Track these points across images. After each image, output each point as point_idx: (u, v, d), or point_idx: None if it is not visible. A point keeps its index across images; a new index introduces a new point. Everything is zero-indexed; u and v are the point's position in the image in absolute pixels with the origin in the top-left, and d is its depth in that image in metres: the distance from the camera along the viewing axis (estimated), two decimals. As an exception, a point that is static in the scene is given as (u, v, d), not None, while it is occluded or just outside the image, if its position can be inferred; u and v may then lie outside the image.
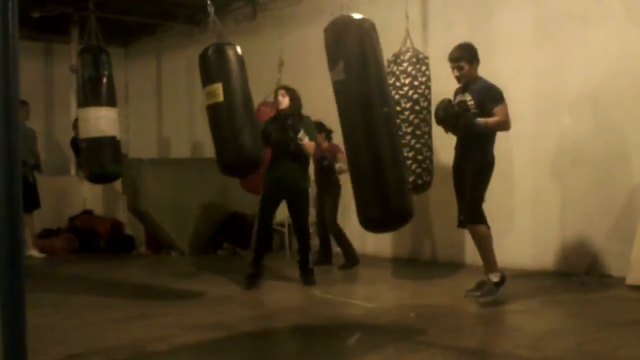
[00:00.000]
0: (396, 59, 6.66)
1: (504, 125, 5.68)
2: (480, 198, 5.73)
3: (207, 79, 6.00)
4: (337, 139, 7.26)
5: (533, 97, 7.28)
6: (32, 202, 9.00)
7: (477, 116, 5.62)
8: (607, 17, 6.75)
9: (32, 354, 3.41)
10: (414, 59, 6.59)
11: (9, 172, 3.39)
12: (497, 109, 5.60)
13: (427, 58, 6.81)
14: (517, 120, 7.31)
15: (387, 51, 6.79)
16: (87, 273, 8.07)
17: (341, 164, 7.39)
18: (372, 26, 4.79)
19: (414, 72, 6.50)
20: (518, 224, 7.41)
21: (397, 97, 6.52)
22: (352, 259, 7.61)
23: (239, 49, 6.24)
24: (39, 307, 5.39)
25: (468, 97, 5.70)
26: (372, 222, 4.70)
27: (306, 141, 6.50)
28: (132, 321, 5.31)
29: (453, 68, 5.87)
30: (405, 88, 6.48)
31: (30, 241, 9.08)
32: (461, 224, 5.86)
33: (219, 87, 5.89)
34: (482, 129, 5.58)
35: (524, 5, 7.37)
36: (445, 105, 5.73)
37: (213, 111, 5.94)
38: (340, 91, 4.70)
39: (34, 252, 9.17)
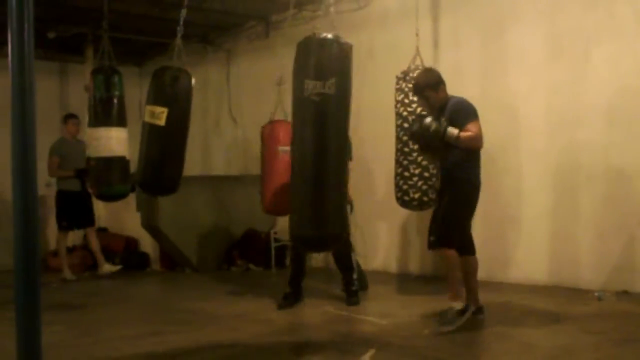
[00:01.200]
0: (405, 76, 6.68)
1: (475, 140, 5.33)
2: (455, 220, 5.43)
3: (156, 100, 6.51)
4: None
5: (546, 113, 7.27)
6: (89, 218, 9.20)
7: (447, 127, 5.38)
8: (619, 32, 6.74)
9: (47, 370, 3.43)
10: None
11: (25, 192, 3.43)
12: (469, 125, 5.31)
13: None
14: (530, 136, 7.36)
15: (396, 69, 6.85)
16: (101, 290, 8.10)
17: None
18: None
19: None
20: (533, 240, 7.38)
21: (405, 113, 6.54)
22: (361, 283, 7.47)
23: (192, 80, 6.77)
24: (54, 323, 5.40)
25: (443, 119, 5.42)
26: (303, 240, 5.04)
27: None
28: (147, 338, 5.32)
29: (420, 101, 5.78)
30: (414, 105, 6.49)
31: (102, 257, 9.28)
32: (430, 245, 5.63)
33: (164, 112, 6.40)
34: (452, 139, 5.31)
35: (536, 21, 7.38)
36: (418, 118, 5.60)
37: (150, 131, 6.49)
38: (324, 104, 4.83)
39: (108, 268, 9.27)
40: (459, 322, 5.22)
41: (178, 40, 6.71)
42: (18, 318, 3.37)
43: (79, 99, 11.40)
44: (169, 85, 6.36)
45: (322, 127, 4.86)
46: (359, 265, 7.39)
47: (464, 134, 5.27)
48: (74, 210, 9.11)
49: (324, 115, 4.85)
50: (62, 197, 9.05)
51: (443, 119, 5.30)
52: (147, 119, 6.41)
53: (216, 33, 10.79)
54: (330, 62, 4.87)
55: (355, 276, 6.69)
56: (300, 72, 4.93)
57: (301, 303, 6.63)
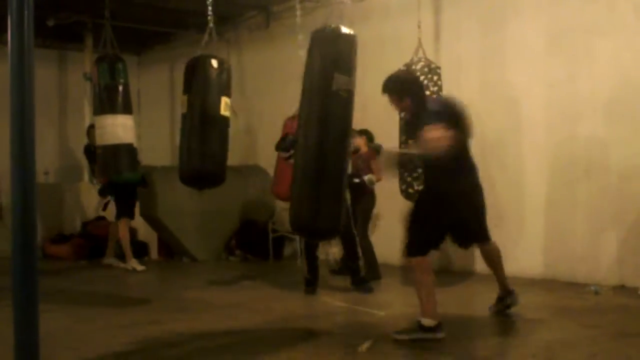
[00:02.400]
0: (408, 69, 6.69)
1: (432, 145, 4.74)
2: (418, 230, 4.98)
3: (228, 92, 6.23)
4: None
5: (545, 108, 7.27)
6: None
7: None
8: (618, 27, 6.74)
9: (44, 358, 3.43)
10: (426, 69, 6.62)
11: (23, 180, 3.43)
12: (424, 131, 4.78)
13: (439, 68, 6.84)
14: (529, 130, 7.36)
15: (399, 61, 6.85)
16: (98, 278, 8.11)
17: (371, 177, 7.31)
18: (332, 36, 4.89)
19: (425, 82, 6.53)
20: (530, 234, 7.40)
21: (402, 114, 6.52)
22: (374, 273, 7.37)
23: (219, 64, 6.25)
24: (51, 311, 5.39)
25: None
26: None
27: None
28: (144, 326, 5.32)
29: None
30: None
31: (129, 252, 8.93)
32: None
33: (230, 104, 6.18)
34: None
35: (536, 15, 7.37)
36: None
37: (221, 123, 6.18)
38: (349, 100, 4.79)
39: (112, 260, 9.07)
40: (416, 336, 4.75)
41: (210, 27, 6.51)
42: (16, 305, 3.37)
43: (79, 87, 11.45)
44: (191, 72, 6.19)
45: (344, 123, 4.81)
46: (373, 255, 7.38)
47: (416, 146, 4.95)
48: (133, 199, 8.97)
49: (347, 111, 4.80)
50: (123, 186, 8.79)
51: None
52: (222, 111, 6.12)
53: (216, 23, 10.75)
54: (352, 57, 4.82)
55: (361, 263, 6.74)
56: (328, 65, 4.74)
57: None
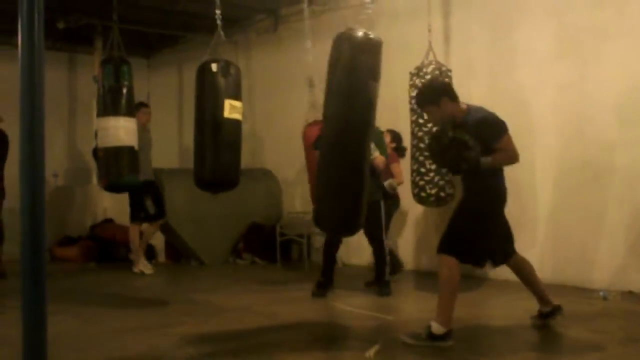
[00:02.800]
0: (419, 72, 6.70)
1: (511, 159, 4.88)
2: (462, 229, 4.84)
3: (236, 94, 6.10)
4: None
5: (555, 111, 7.26)
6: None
7: (478, 152, 4.77)
8: (628, 30, 6.72)
9: (51, 360, 3.44)
10: (437, 72, 6.61)
11: (32, 182, 3.44)
12: (501, 142, 4.83)
13: (449, 71, 6.84)
14: (539, 134, 7.34)
15: (408, 64, 6.86)
16: (106, 281, 8.11)
17: (391, 181, 7.29)
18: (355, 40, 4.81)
19: (437, 85, 6.51)
20: (539, 237, 7.37)
21: (419, 110, 6.52)
22: (393, 266, 7.33)
23: (222, 67, 6.17)
24: (58, 314, 5.41)
25: (464, 135, 4.80)
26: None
27: (376, 155, 6.46)
28: (151, 330, 5.33)
29: (428, 116, 5.45)
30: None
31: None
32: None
33: (241, 106, 6.09)
34: (488, 168, 4.87)
35: (545, 19, 7.35)
36: (439, 135, 4.99)
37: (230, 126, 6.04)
38: (374, 106, 4.80)
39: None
40: (424, 343, 4.68)
41: (219, 31, 6.53)
42: (24, 308, 3.38)
43: (88, 90, 11.45)
44: (233, 77, 6.19)
45: (372, 129, 4.88)
46: (392, 249, 7.38)
47: (498, 157, 4.81)
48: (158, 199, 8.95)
49: (373, 117, 4.82)
50: (148, 187, 8.77)
51: (471, 152, 4.72)
52: (227, 114, 6.06)
53: (225, 26, 10.74)
54: (379, 62, 4.80)
55: (387, 269, 6.78)
56: (361, 72, 4.69)
57: (332, 292, 6.82)
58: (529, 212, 7.44)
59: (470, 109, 4.98)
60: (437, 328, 4.69)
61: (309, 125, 7.97)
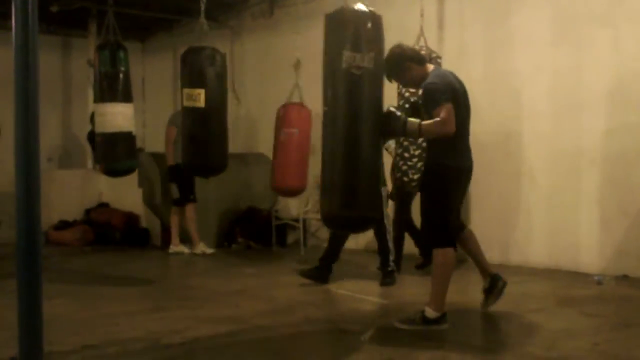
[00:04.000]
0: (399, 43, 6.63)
1: (438, 127, 4.60)
2: (436, 215, 4.79)
3: (192, 83, 6.44)
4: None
5: (551, 96, 7.26)
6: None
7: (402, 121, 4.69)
8: (625, 16, 6.71)
9: (48, 344, 3.46)
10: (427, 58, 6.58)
11: (27, 165, 3.44)
12: (436, 111, 4.61)
13: (439, 57, 6.83)
14: (534, 119, 7.35)
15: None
16: (102, 265, 8.11)
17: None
18: (349, 14, 4.75)
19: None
20: (534, 223, 7.40)
21: (407, 94, 6.51)
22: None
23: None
24: (54, 297, 5.40)
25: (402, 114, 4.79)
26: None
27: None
28: (147, 313, 5.35)
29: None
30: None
31: (196, 237, 8.92)
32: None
33: (201, 93, 6.36)
34: (414, 136, 5.00)
35: (541, 4, 7.35)
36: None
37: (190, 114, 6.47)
38: (364, 78, 4.61)
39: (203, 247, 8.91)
40: (417, 327, 4.71)
41: (202, 19, 6.71)
42: (20, 291, 3.39)
43: (82, 74, 11.43)
44: (205, 66, 6.33)
45: (359, 103, 4.61)
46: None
47: (426, 126, 4.64)
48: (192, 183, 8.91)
49: (362, 89, 4.60)
50: (174, 171, 8.72)
51: (402, 114, 4.73)
52: (185, 102, 6.35)
53: (220, 10, 10.71)
54: (367, 34, 4.64)
55: (392, 257, 6.64)
56: (336, 44, 4.61)
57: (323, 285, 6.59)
58: (524, 198, 7.46)
59: (431, 72, 4.88)
60: (430, 312, 4.69)
61: (283, 106, 7.89)
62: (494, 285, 5.21)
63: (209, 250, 8.86)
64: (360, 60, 4.56)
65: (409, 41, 6.86)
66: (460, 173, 4.86)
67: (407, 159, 6.66)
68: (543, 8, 7.31)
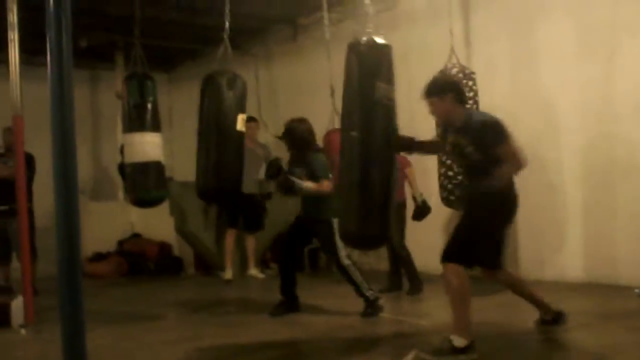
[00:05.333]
0: (445, 73, 6.66)
1: (517, 167, 4.55)
2: (466, 234, 4.60)
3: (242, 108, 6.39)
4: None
5: (580, 109, 7.19)
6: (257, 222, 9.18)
7: (478, 158, 4.55)
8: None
9: (92, 376, 3.44)
10: (461, 75, 6.59)
11: (66, 198, 3.46)
12: (502, 150, 4.49)
13: (473, 73, 6.81)
14: (565, 133, 7.29)
15: (427, 69, 6.77)
16: (138, 295, 8.15)
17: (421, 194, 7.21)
18: (370, 46, 4.90)
19: (460, 87, 6.49)
20: (569, 237, 7.31)
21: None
22: (417, 284, 7.23)
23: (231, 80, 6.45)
24: (94, 330, 5.40)
25: (462, 140, 4.64)
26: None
27: (306, 185, 6.16)
28: (187, 342, 5.33)
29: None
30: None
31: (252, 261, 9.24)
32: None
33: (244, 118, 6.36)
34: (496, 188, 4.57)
35: (567, 16, 7.30)
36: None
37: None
38: (392, 109, 4.87)
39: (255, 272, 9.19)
40: (445, 359, 4.42)
41: (226, 43, 6.72)
42: (62, 324, 3.39)
43: (111, 106, 11.56)
44: (234, 90, 6.34)
45: (386, 133, 4.81)
46: (413, 266, 7.29)
47: (502, 172, 4.47)
48: (241, 211, 9.06)
49: (391, 120, 4.84)
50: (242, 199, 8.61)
51: (467, 148, 4.57)
52: (239, 127, 6.27)
53: (243, 37, 10.81)
54: (391, 66, 4.88)
55: (362, 291, 6.16)
56: (368, 75, 4.77)
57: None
58: (558, 212, 7.38)
59: (471, 113, 4.90)
60: (458, 341, 4.41)
61: (329, 132, 7.94)
62: (557, 320, 5.04)
63: (261, 275, 9.10)
64: (390, 93, 4.81)
65: (435, 59, 6.90)
66: (516, 200, 4.71)
67: (452, 178, 6.61)
68: (568, 20, 7.28)
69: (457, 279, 4.49)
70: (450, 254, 4.56)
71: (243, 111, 6.35)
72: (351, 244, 5.58)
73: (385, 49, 4.87)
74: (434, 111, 4.76)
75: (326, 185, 6.11)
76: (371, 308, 6.13)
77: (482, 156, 4.52)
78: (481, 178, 4.56)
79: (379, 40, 4.87)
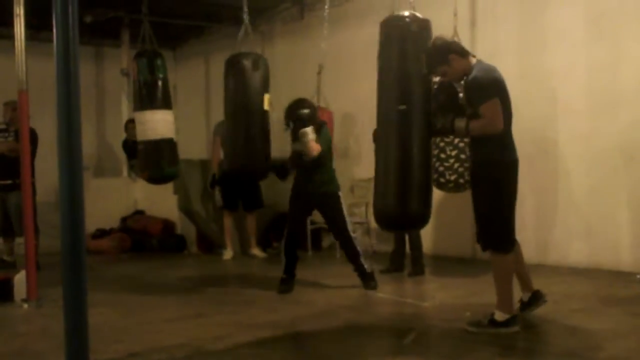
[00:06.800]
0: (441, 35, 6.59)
1: (489, 127, 4.54)
2: (494, 214, 4.68)
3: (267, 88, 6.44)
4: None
5: (587, 94, 7.16)
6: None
7: (470, 112, 4.66)
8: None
9: (92, 352, 3.48)
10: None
11: (71, 174, 3.47)
12: (482, 108, 4.55)
13: (474, 57, 6.74)
14: (571, 117, 7.26)
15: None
16: (140, 272, 8.17)
17: None
18: (420, 23, 4.86)
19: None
20: (572, 222, 7.31)
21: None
22: (420, 267, 7.24)
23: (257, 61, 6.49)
24: (96, 306, 5.38)
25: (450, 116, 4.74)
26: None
27: (310, 138, 6.19)
28: (188, 320, 5.37)
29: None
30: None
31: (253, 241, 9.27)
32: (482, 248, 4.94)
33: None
34: (461, 135, 4.95)
35: (576, 0, 7.24)
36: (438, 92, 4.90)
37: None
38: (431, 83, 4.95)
39: (256, 252, 9.20)
40: (488, 331, 4.62)
41: (246, 24, 6.81)
42: (65, 300, 3.42)
43: (115, 83, 11.56)
44: (259, 71, 6.39)
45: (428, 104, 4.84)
46: (420, 251, 7.27)
47: (474, 125, 4.58)
48: (239, 191, 9.07)
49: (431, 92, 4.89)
50: (227, 177, 8.81)
51: (450, 116, 4.67)
52: (266, 107, 6.35)
53: (251, 15, 10.76)
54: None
55: (362, 260, 6.42)
56: (416, 49, 4.77)
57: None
58: (562, 196, 7.37)
59: (475, 66, 4.76)
60: (499, 315, 4.62)
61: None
62: (533, 302, 5.09)
63: (262, 254, 9.14)
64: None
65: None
66: (511, 167, 4.72)
67: (444, 160, 6.62)
68: (576, 4, 7.22)
69: (504, 265, 4.69)
70: (489, 243, 4.72)
71: (267, 91, 6.40)
72: (390, 225, 5.24)
73: (428, 25, 4.88)
74: (450, 77, 4.82)
75: (316, 149, 6.22)
76: (373, 281, 6.40)
77: (472, 109, 4.65)
78: (475, 140, 4.74)
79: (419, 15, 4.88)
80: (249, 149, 6.31)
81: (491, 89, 4.58)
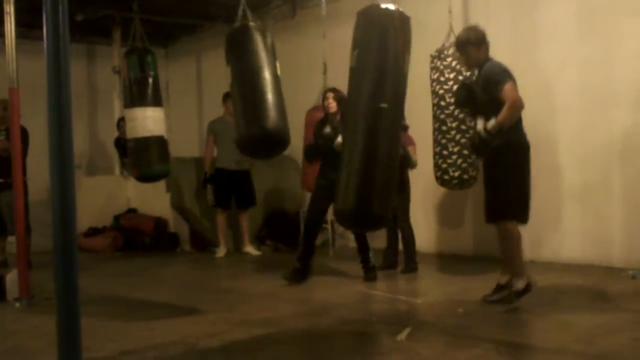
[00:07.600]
0: (440, 54, 6.65)
1: (515, 109, 5.03)
2: (505, 190, 5.17)
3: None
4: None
5: (579, 90, 7.17)
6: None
7: (485, 99, 5.18)
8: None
9: (85, 350, 3.46)
10: (458, 54, 6.54)
11: (62, 172, 3.45)
12: (504, 92, 5.02)
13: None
14: (563, 114, 7.27)
15: (428, 46, 6.79)
16: (133, 270, 8.16)
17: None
18: (402, 19, 4.91)
19: (458, 67, 6.48)
20: (565, 218, 7.32)
21: (441, 92, 6.52)
22: (413, 264, 7.24)
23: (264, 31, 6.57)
24: (88, 304, 5.38)
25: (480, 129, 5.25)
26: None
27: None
28: (181, 318, 5.36)
29: (460, 57, 5.76)
30: (450, 83, 6.48)
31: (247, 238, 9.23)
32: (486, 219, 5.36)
33: None
34: (496, 132, 5.07)
35: (567, -4, 7.26)
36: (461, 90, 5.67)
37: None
38: (350, 78, 5.03)
39: (250, 249, 9.18)
40: (515, 305, 5.12)
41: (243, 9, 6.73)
42: (58, 299, 3.40)
43: (107, 81, 11.51)
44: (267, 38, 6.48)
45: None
46: (413, 247, 7.29)
47: (502, 116, 4.97)
48: (232, 189, 9.07)
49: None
50: (220, 175, 8.96)
51: (480, 129, 5.16)
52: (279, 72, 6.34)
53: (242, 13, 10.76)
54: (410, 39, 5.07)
55: (371, 254, 6.74)
56: (400, 46, 4.88)
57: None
58: (555, 193, 7.38)
59: (484, 62, 5.33)
60: (519, 283, 5.09)
61: (310, 110, 8.02)
62: (499, 291, 5.37)
63: (256, 252, 9.14)
64: (351, 62, 5.01)
65: (435, 37, 6.86)
66: (528, 150, 5.29)
67: (447, 157, 6.59)
68: (570, 0, 7.23)
69: (513, 230, 5.17)
70: (493, 215, 5.20)
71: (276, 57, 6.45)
72: (347, 222, 5.29)
73: (408, 21, 4.96)
74: (467, 61, 5.51)
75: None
76: (373, 272, 6.70)
77: (487, 97, 5.13)
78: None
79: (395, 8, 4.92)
80: (278, 110, 6.10)
81: (503, 73, 5.14)
